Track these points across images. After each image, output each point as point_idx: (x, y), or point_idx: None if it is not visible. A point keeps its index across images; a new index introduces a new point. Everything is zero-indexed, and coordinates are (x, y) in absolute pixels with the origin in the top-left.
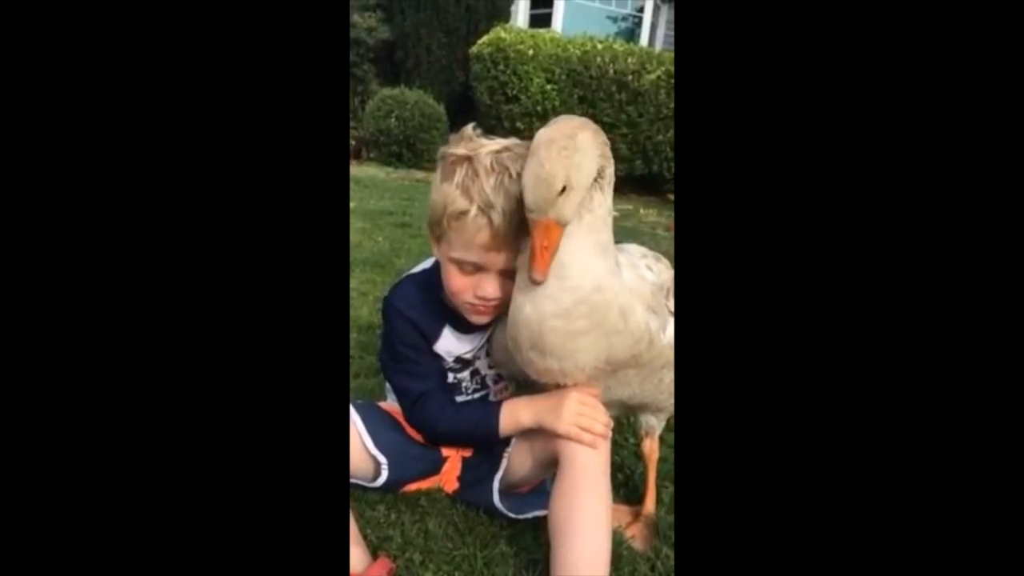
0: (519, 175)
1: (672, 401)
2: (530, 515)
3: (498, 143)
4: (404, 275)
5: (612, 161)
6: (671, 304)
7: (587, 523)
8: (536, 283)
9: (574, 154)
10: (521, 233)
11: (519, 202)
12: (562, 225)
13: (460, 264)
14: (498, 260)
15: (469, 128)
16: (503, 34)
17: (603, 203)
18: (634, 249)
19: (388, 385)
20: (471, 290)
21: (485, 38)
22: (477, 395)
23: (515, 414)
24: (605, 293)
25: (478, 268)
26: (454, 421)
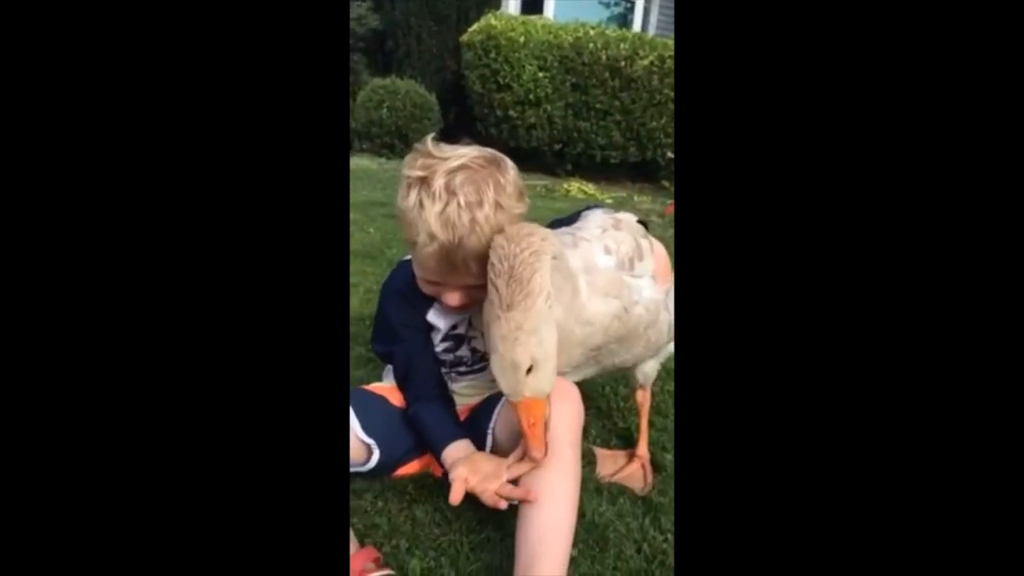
0: (468, 204)
1: (664, 342)
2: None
3: (457, 158)
4: (400, 260)
5: (558, 247)
6: (639, 267)
7: (550, 494)
8: (536, 461)
9: (530, 336)
10: (477, 254)
11: (469, 230)
12: (543, 398)
13: (420, 277)
14: (455, 279)
15: (428, 141)
16: (494, 21)
17: (553, 285)
18: (594, 225)
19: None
20: (436, 295)
21: (476, 26)
22: (478, 367)
23: (455, 461)
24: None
25: (438, 283)
26: (423, 423)
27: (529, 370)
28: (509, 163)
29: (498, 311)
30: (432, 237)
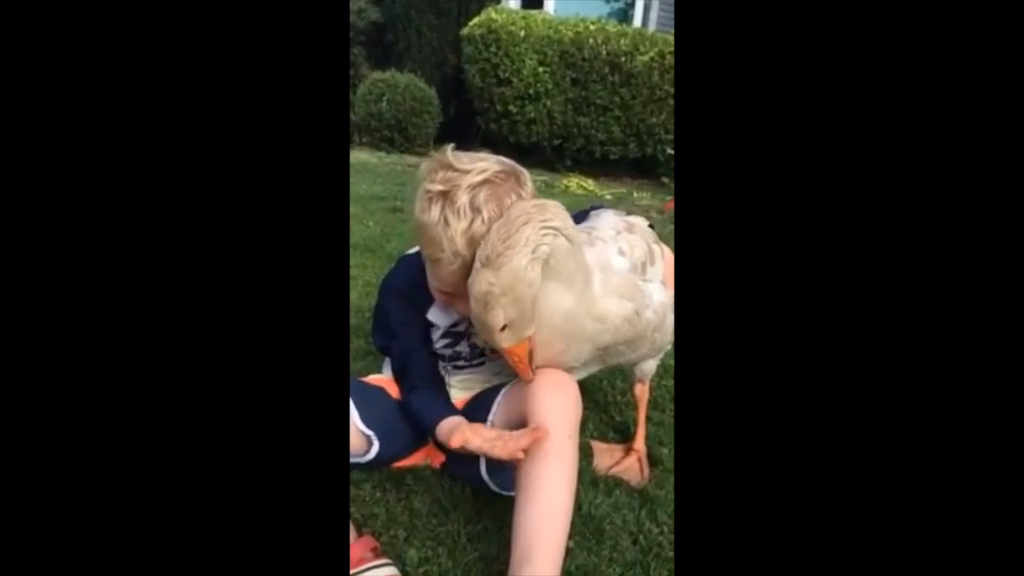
0: (492, 221)
1: (666, 340)
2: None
3: (479, 172)
4: (402, 256)
5: (564, 233)
6: (651, 272)
7: (546, 485)
8: (528, 382)
9: (501, 297)
10: None
11: None
12: (522, 341)
13: (435, 287)
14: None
15: (448, 152)
16: (494, 15)
17: (566, 271)
18: (607, 226)
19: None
20: (447, 303)
21: (476, 19)
22: (476, 362)
23: (454, 426)
24: (573, 322)
25: (453, 294)
26: (416, 406)
27: (503, 328)
28: (526, 175)
29: (477, 262)
30: (457, 255)
